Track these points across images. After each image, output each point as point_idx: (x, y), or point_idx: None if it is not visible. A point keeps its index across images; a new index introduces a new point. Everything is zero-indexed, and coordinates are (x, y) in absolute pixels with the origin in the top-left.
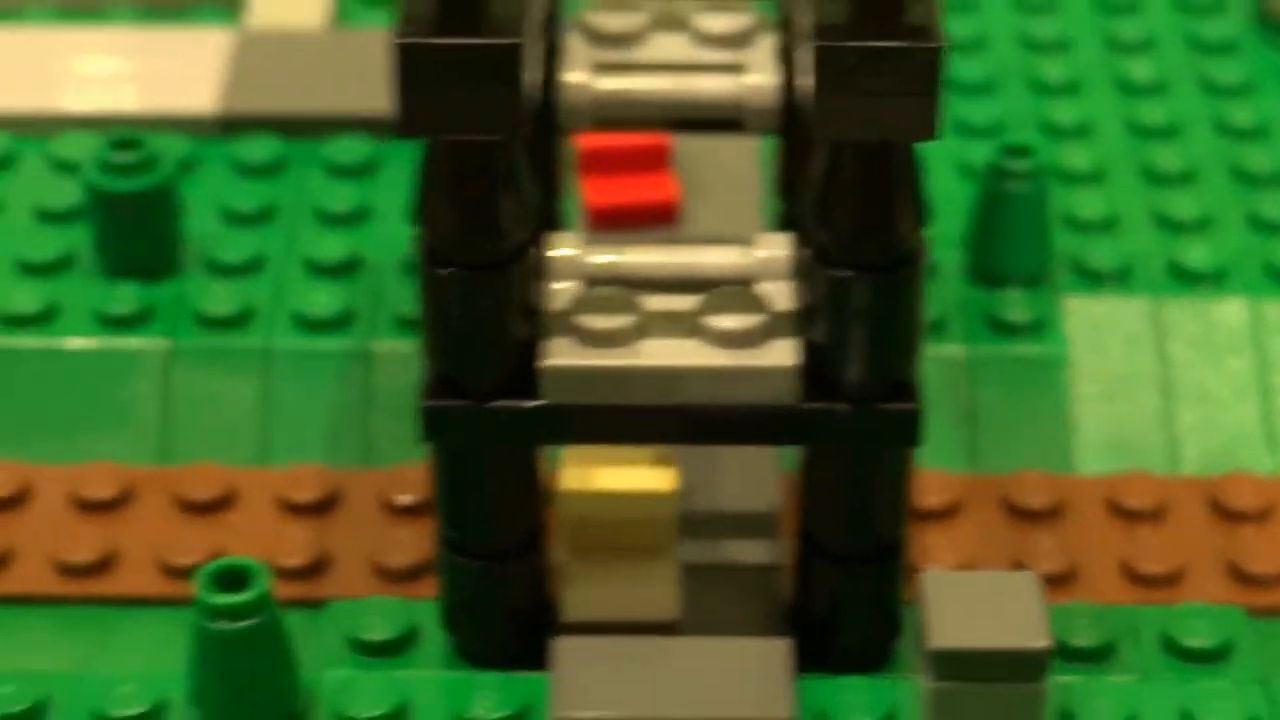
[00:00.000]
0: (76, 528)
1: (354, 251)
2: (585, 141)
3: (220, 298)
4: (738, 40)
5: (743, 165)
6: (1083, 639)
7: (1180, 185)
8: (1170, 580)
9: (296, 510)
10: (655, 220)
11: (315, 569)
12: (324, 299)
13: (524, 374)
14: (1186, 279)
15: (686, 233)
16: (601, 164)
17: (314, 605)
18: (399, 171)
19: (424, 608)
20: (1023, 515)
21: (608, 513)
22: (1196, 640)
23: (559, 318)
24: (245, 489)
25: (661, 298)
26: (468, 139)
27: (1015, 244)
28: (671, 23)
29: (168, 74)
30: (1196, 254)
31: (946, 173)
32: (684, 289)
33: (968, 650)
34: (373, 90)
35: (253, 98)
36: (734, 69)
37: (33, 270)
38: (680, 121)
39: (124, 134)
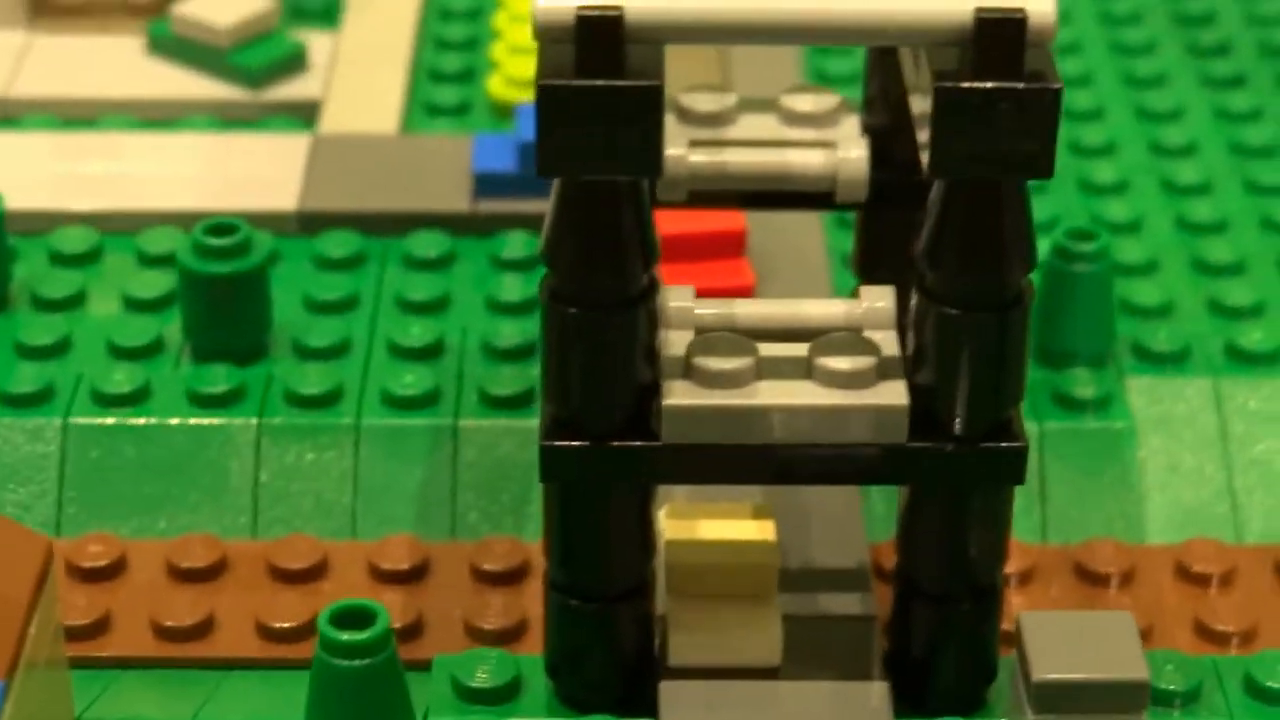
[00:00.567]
0: (174, 594)
1: (437, 336)
2: (663, 228)
3: (309, 378)
4: (823, 120)
5: (811, 246)
6: (1170, 683)
7: (1231, 275)
8: (1244, 636)
9: (389, 577)
10: None
11: (411, 632)
12: (410, 379)
13: (643, 414)
14: (1243, 359)
15: None
16: (679, 251)
17: (411, 667)
18: (474, 264)
19: (526, 660)
20: (1097, 580)
21: (712, 560)
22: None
23: (676, 361)
24: (338, 558)
25: (773, 345)
26: (602, 180)
27: (1081, 324)
28: (759, 104)
29: (248, 175)
30: (1252, 336)
31: None
32: (792, 338)
33: (1070, 682)
34: (444, 190)
35: (330, 197)
36: (823, 144)
37: (125, 354)
38: (771, 195)
39: (218, 220)
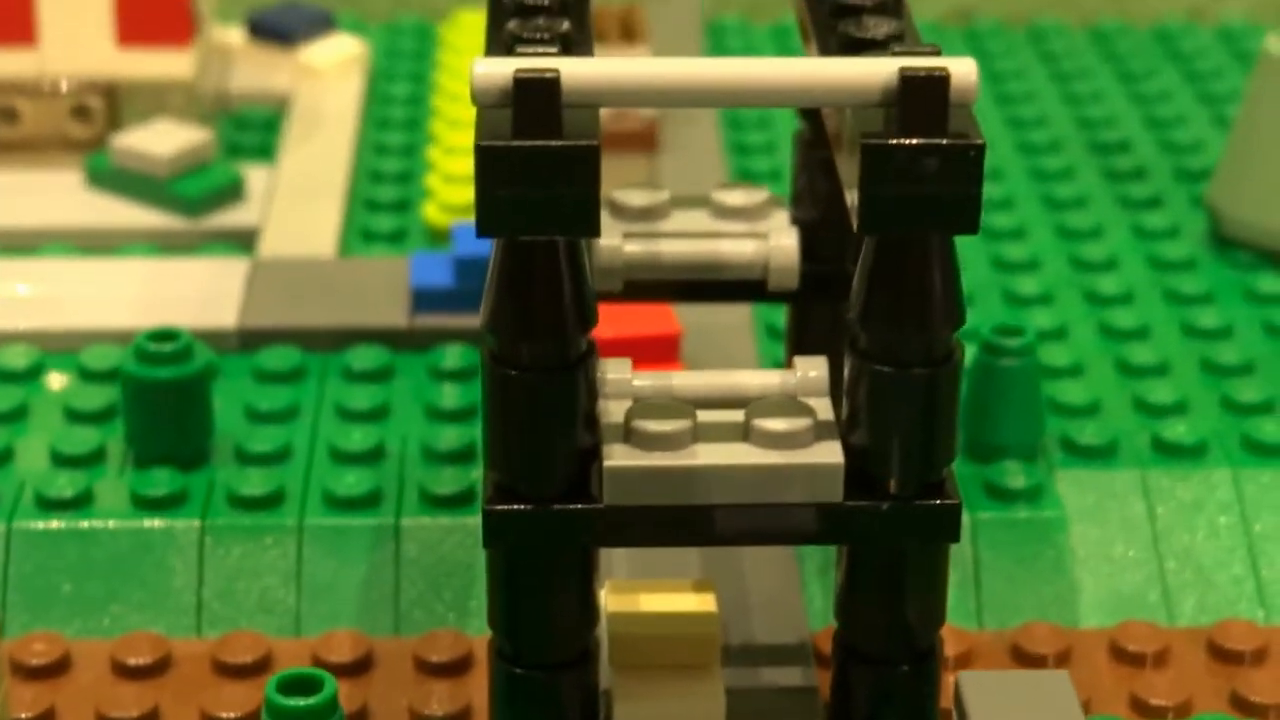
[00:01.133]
0: (119, 689)
1: (377, 441)
2: (598, 332)
3: (251, 480)
4: (753, 213)
5: (743, 351)
6: None
7: (1155, 376)
8: (1179, 710)
9: (333, 670)
10: None
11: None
12: (351, 480)
13: (584, 478)
14: (1169, 452)
15: None
16: (614, 354)
17: None
18: (413, 376)
19: None
20: (1034, 661)
21: (654, 631)
22: None
23: (616, 426)
24: (282, 653)
25: (711, 410)
26: (541, 240)
27: (1010, 418)
28: (690, 201)
29: (187, 295)
30: (1176, 430)
31: None
32: (729, 405)
33: None
34: (382, 306)
35: (270, 313)
36: (753, 235)
37: (67, 461)
38: (704, 285)
39: (160, 329)
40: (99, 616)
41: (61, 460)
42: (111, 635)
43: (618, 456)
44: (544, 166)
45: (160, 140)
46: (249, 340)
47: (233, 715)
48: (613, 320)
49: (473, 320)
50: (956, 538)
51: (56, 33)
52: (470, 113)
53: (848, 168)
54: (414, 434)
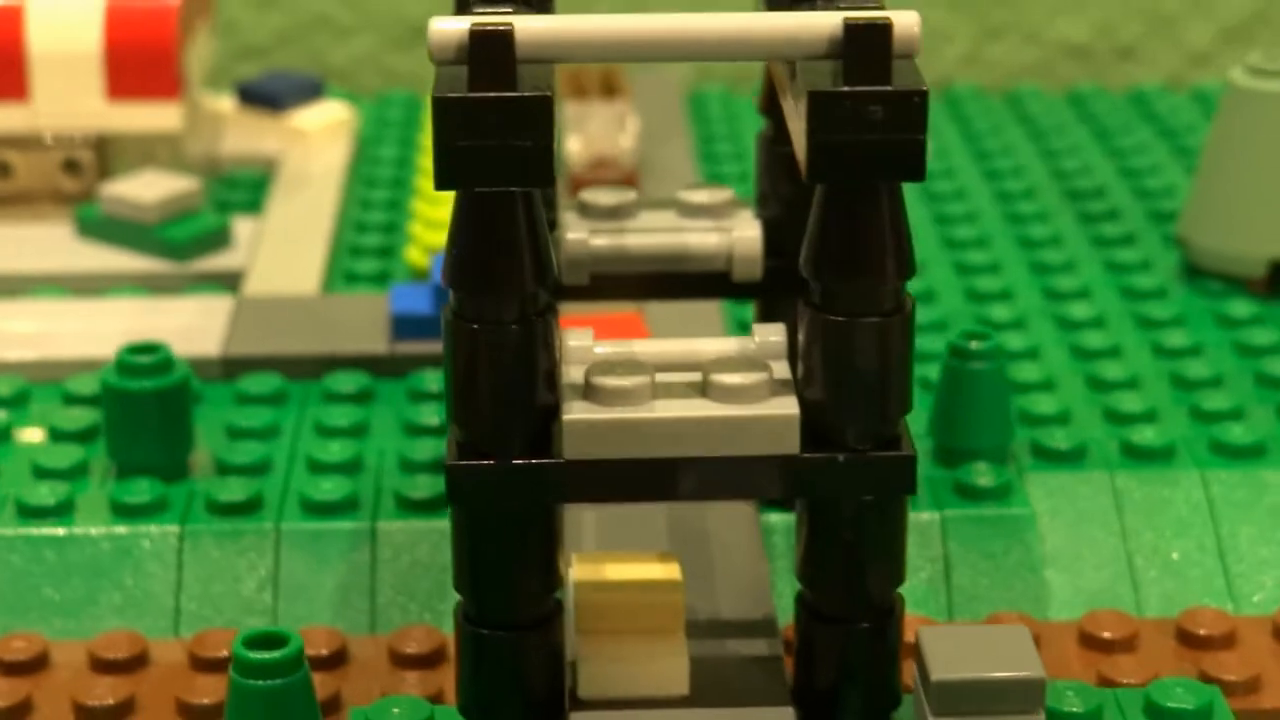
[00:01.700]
0: (96, 681)
1: (355, 454)
2: None
3: (230, 488)
4: (718, 211)
5: None
6: (1071, 706)
7: (1126, 389)
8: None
9: (309, 662)
10: None
11: (330, 707)
12: (329, 486)
13: (545, 433)
14: (1138, 455)
15: None
16: None
17: None
18: (392, 399)
19: (440, 709)
20: None
21: (619, 597)
22: (1176, 703)
23: (576, 385)
24: None
25: (670, 372)
26: (499, 192)
27: (979, 420)
28: (656, 202)
29: (172, 328)
30: (1144, 434)
31: None
32: (689, 369)
33: (967, 681)
34: (362, 334)
35: (252, 342)
36: (718, 230)
37: (49, 474)
38: (670, 279)
39: (142, 343)
40: (79, 619)
41: (44, 473)
42: (90, 637)
43: (577, 411)
44: (499, 117)
45: (148, 188)
46: (232, 368)
47: (208, 702)
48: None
49: None
50: (912, 490)
51: (48, 88)
52: None
53: (796, 122)
54: (391, 448)
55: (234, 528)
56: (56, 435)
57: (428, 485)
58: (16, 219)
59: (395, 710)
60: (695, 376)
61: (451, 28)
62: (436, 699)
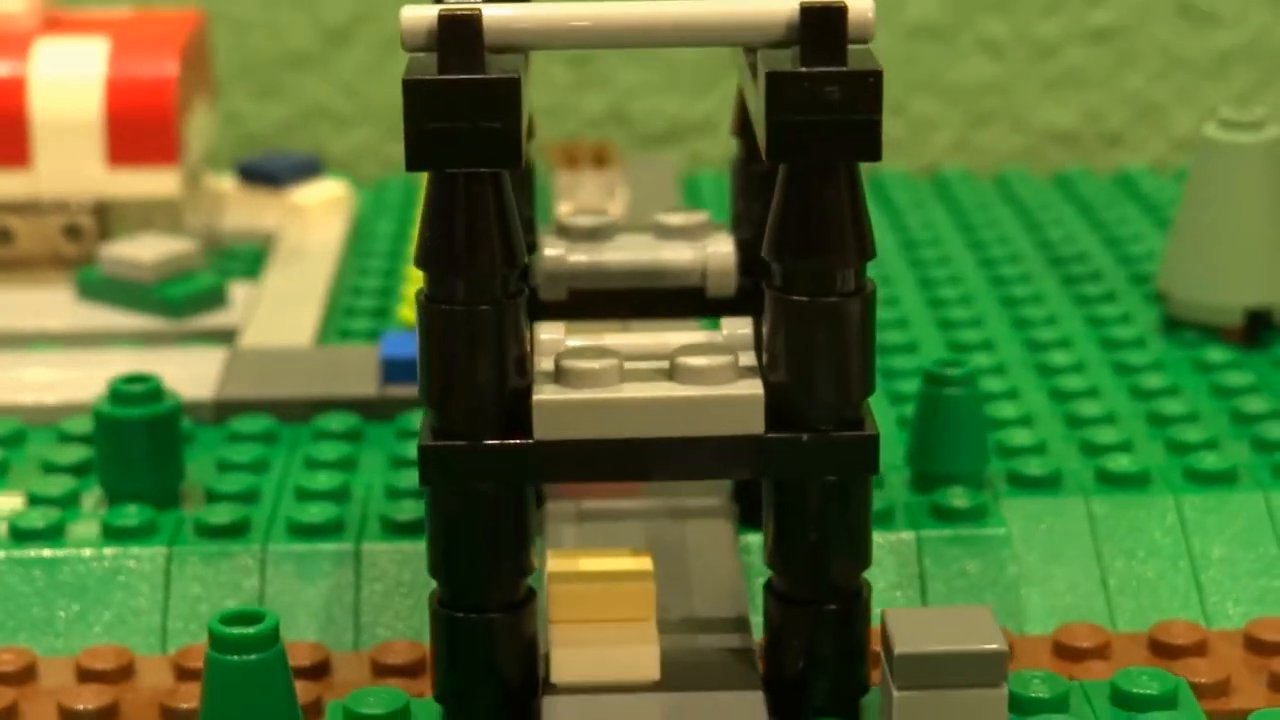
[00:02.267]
0: (82, 689)
1: (342, 483)
2: None
3: (218, 512)
4: (693, 232)
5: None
6: (1037, 693)
7: (1102, 423)
8: None
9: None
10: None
11: (311, 711)
12: (315, 510)
13: (515, 415)
14: (1111, 481)
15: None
16: None
17: None
18: (381, 438)
19: (417, 701)
20: None
21: (592, 586)
22: (1142, 689)
23: (548, 371)
24: None
25: (640, 359)
26: (468, 173)
27: (955, 445)
28: (634, 226)
29: (167, 375)
30: (1119, 461)
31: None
32: (658, 357)
33: (930, 654)
34: (352, 378)
35: (245, 387)
36: (693, 247)
37: (41, 501)
38: (647, 296)
39: (134, 374)
40: (67, 638)
41: (36, 500)
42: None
43: (547, 392)
44: (468, 99)
45: (146, 248)
46: (224, 411)
47: (192, 706)
48: None
49: None
50: (874, 469)
51: (49, 155)
52: None
53: (758, 106)
54: (378, 480)
55: (221, 549)
56: (50, 468)
57: (413, 509)
58: (17, 283)
59: (371, 700)
60: (663, 361)
61: (421, 15)
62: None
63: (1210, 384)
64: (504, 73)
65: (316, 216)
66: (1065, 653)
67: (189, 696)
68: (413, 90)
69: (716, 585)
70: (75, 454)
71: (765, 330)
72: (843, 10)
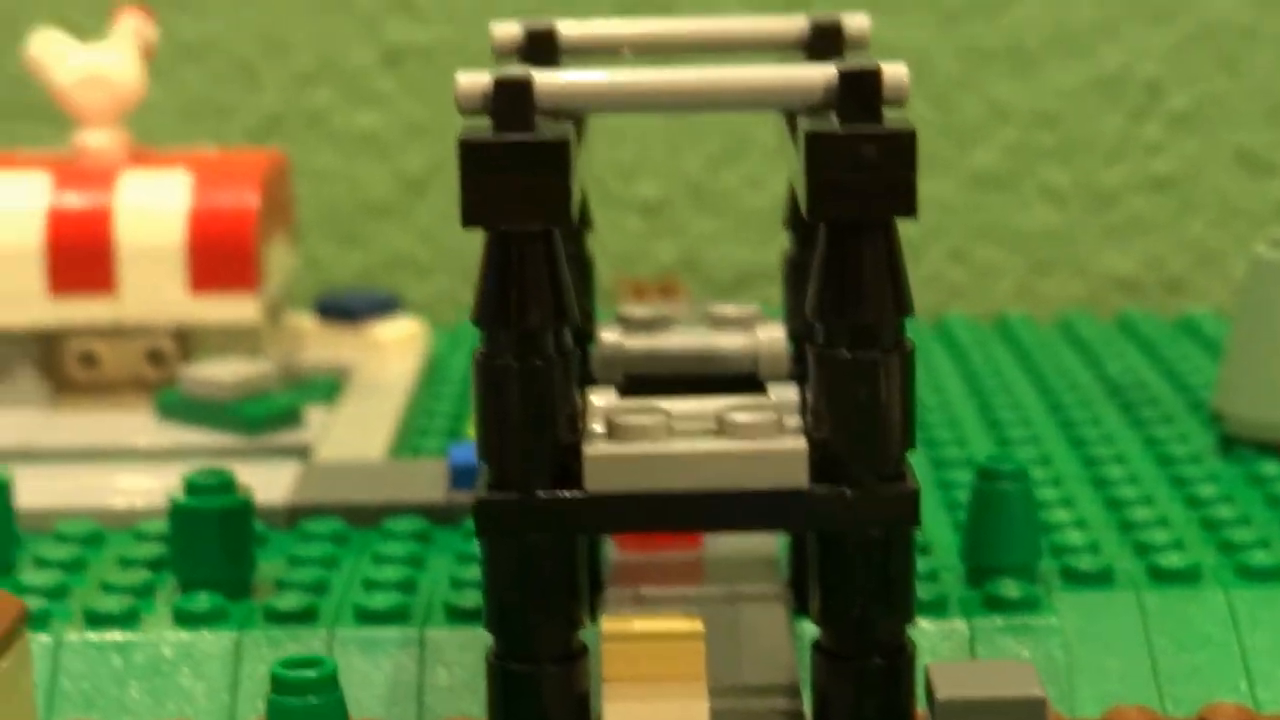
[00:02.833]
0: None
1: (409, 575)
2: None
3: (288, 599)
4: (747, 322)
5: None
6: None
7: (1155, 526)
8: None
9: None
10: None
11: None
12: (381, 598)
13: (568, 469)
14: (1164, 577)
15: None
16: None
17: None
18: (448, 540)
19: None
20: None
21: (644, 644)
22: None
23: (599, 427)
24: None
25: (688, 418)
26: (520, 230)
27: (1008, 539)
28: (691, 318)
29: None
30: (1170, 558)
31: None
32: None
33: (971, 699)
34: (422, 485)
35: (317, 493)
36: (746, 334)
37: (116, 589)
38: (700, 382)
39: (208, 469)
40: (139, 716)
41: (111, 589)
42: None
43: (598, 447)
44: (520, 159)
45: (225, 369)
46: (296, 516)
47: None
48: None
49: None
50: (916, 522)
51: (134, 282)
52: None
53: (797, 168)
54: (444, 575)
55: (289, 634)
56: (126, 563)
57: (478, 597)
58: (101, 406)
59: None
60: (711, 420)
61: (477, 81)
62: None
63: (1265, 495)
64: (554, 134)
65: (392, 351)
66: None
67: None
68: (468, 150)
69: (768, 658)
70: (151, 550)
71: (809, 387)
72: (877, 73)
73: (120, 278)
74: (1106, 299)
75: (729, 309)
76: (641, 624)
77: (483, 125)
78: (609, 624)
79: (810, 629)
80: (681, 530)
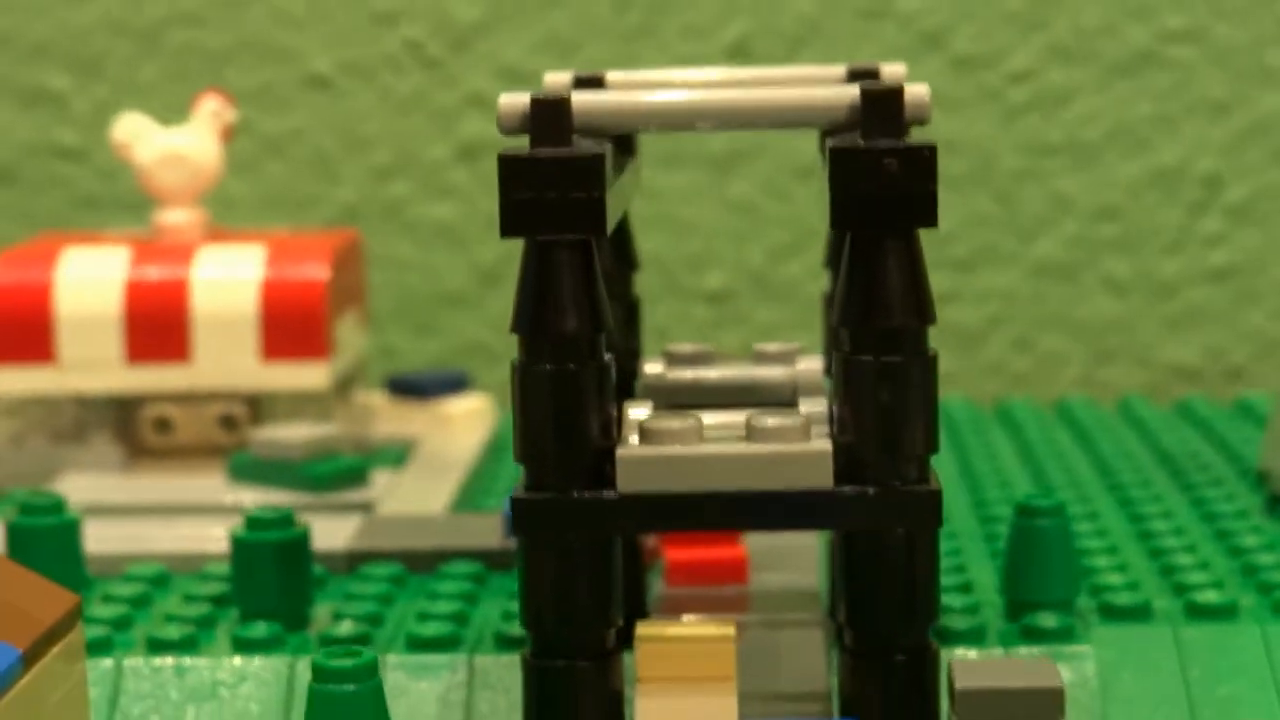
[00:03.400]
0: None
1: (461, 610)
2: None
3: (342, 628)
4: (788, 357)
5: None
6: None
7: (1195, 570)
8: None
9: None
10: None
11: None
12: (435, 627)
13: (602, 470)
14: (1201, 613)
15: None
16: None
17: None
18: (504, 584)
19: None
20: None
21: (676, 645)
22: None
23: (632, 429)
24: None
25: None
26: (557, 240)
27: (1046, 573)
28: (731, 355)
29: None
30: (1207, 595)
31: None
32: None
33: (989, 689)
34: (479, 531)
35: (376, 540)
36: (785, 366)
37: (177, 619)
38: (740, 407)
39: (269, 506)
40: None
41: (174, 619)
42: None
43: (631, 449)
44: (556, 172)
45: (294, 431)
46: (355, 561)
47: None
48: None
49: None
50: (938, 523)
51: (208, 350)
52: None
53: (824, 184)
54: (497, 609)
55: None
56: (189, 598)
57: None
58: (174, 470)
59: None
60: (741, 425)
61: (516, 100)
62: None
63: None
64: (590, 149)
65: (460, 424)
66: None
67: None
68: (507, 165)
69: (801, 671)
70: (215, 588)
71: (834, 389)
72: (899, 92)
73: (195, 346)
74: (1168, 388)
75: (771, 346)
76: (675, 628)
77: (521, 140)
78: (643, 627)
79: None
80: (710, 529)
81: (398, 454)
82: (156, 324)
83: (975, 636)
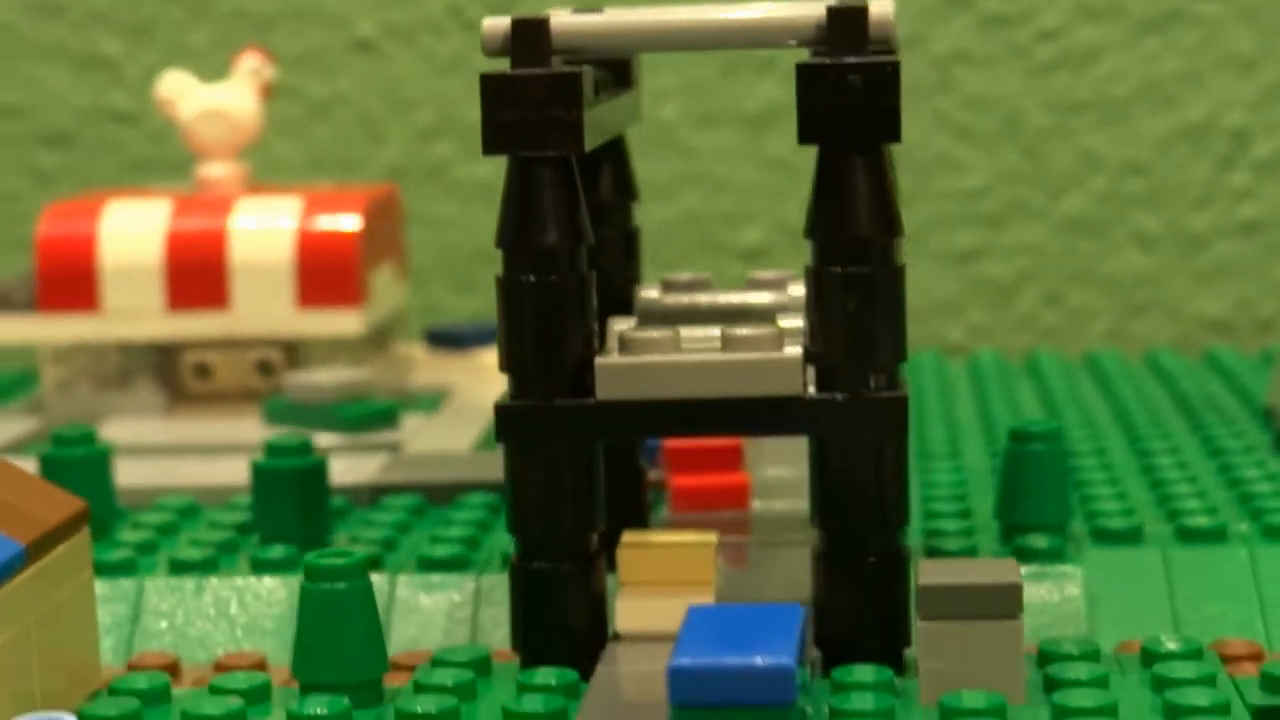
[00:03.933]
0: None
1: (472, 535)
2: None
3: (356, 552)
4: (779, 283)
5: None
6: (1069, 649)
7: (1191, 498)
8: None
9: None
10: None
11: None
12: (444, 549)
13: (583, 379)
14: (1190, 536)
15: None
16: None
17: None
18: None
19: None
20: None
21: (657, 551)
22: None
23: (613, 346)
24: None
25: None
26: (538, 157)
27: (1039, 497)
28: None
29: (333, 468)
30: (1198, 520)
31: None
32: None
33: (950, 585)
34: (499, 469)
35: (399, 474)
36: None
37: (197, 543)
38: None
39: (288, 435)
40: (208, 648)
41: (197, 543)
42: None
43: (609, 358)
44: (535, 91)
45: (327, 375)
46: (377, 494)
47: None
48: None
49: None
50: (905, 430)
51: (245, 298)
52: None
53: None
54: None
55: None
56: (213, 525)
57: None
58: (212, 414)
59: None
60: (717, 337)
61: (498, 23)
62: None
63: None
64: (568, 69)
65: (494, 373)
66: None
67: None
68: (489, 84)
69: (785, 583)
70: (239, 517)
71: (807, 304)
72: (864, 10)
73: (233, 294)
74: (1197, 341)
75: (765, 273)
76: (657, 535)
77: (502, 62)
78: (627, 535)
79: None
80: (687, 435)
81: (432, 400)
82: (196, 273)
83: (966, 556)
